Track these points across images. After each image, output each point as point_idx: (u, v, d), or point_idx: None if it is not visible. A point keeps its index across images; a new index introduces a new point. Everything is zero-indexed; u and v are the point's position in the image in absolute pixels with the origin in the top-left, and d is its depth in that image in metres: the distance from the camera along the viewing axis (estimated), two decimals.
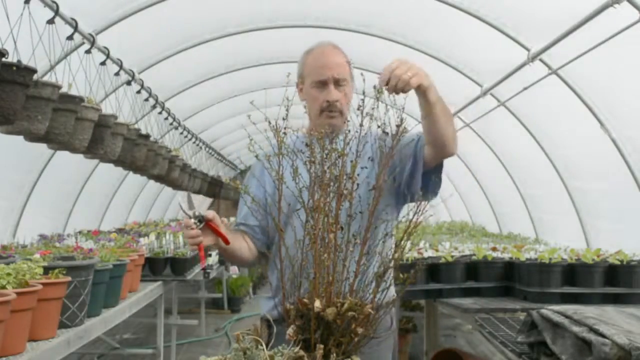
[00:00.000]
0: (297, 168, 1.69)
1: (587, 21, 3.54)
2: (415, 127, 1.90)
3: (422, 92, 1.88)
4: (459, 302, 3.40)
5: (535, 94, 4.92)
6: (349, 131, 1.61)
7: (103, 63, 4.36)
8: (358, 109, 1.51)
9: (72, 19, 3.64)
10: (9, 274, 2.14)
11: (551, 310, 2.14)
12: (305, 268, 1.79)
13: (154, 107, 5.97)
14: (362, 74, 1.51)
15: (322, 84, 2.18)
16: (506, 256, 3.76)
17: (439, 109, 1.93)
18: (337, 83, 2.18)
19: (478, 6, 4.47)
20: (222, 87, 7.38)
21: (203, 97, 7.62)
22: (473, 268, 3.69)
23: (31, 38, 3.21)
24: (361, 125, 1.50)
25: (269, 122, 1.64)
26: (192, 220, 1.97)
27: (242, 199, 2.28)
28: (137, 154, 4.69)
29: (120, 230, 6.05)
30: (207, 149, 9.56)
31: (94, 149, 3.87)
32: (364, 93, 1.50)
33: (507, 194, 7.03)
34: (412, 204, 1.64)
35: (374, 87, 1.53)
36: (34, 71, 2.77)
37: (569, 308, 2.12)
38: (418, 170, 2.09)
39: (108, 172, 6.14)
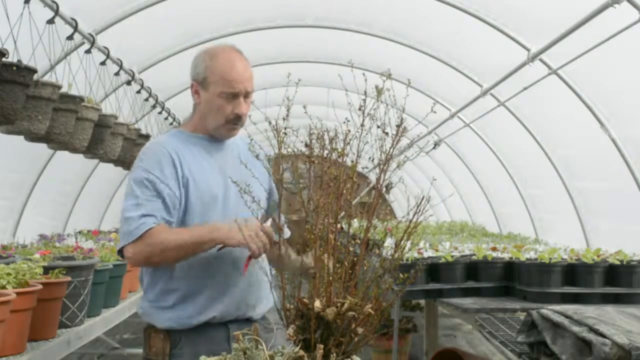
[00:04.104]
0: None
1: (587, 21, 3.53)
2: (415, 127, 1.89)
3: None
4: (459, 302, 3.39)
5: (535, 94, 4.92)
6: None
7: (103, 63, 4.36)
8: (359, 109, 1.50)
9: (72, 19, 3.64)
10: (9, 274, 2.14)
11: (551, 310, 2.14)
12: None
13: (154, 107, 5.98)
14: (363, 74, 1.50)
15: (233, 96, 2.15)
16: (506, 256, 3.75)
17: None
18: (246, 95, 2.17)
19: (478, 6, 4.47)
20: None
21: None
22: (473, 268, 3.68)
23: (31, 38, 3.21)
24: (362, 125, 1.50)
25: (269, 122, 1.63)
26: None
27: (157, 187, 2.21)
28: (137, 154, 4.68)
29: None
30: None
31: (94, 149, 3.87)
32: (365, 93, 1.49)
33: (507, 194, 7.03)
34: (412, 204, 1.63)
35: (376, 87, 1.52)
36: (34, 71, 2.77)
37: (569, 308, 2.12)
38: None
39: (108, 172, 6.14)
